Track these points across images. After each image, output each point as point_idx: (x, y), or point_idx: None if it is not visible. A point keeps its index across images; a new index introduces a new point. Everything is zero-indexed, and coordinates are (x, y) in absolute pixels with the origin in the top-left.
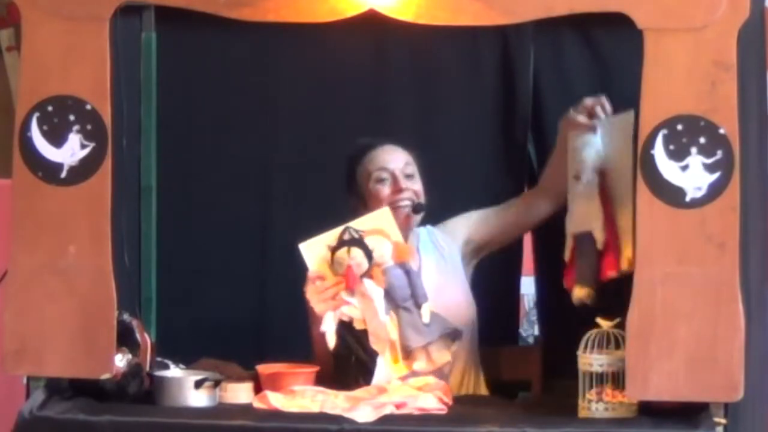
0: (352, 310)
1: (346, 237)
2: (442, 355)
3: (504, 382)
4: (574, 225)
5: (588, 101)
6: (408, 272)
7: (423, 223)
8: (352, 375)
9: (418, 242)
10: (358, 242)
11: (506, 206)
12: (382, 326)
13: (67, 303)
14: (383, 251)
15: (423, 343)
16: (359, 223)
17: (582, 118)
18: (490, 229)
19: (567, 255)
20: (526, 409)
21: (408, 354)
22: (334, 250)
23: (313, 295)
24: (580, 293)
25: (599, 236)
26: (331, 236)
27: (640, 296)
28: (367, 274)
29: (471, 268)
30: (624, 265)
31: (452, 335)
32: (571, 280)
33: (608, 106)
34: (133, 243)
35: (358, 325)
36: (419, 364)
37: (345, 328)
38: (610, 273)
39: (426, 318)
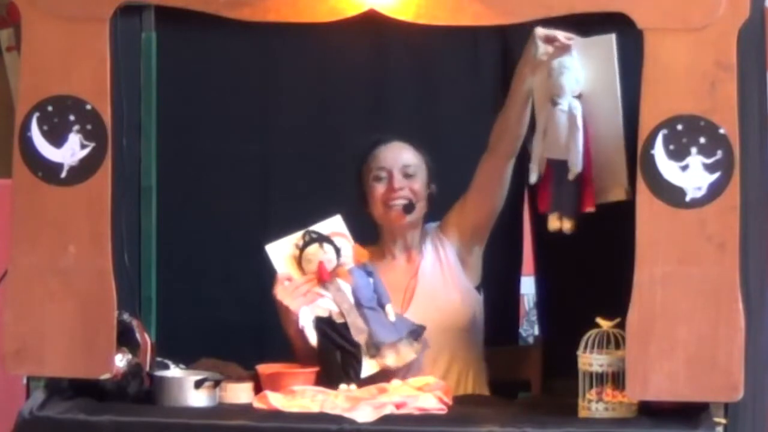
0: (329, 303)
1: (313, 236)
2: (409, 353)
3: (504, 382)
4: (549, 150)
5: (541, 32)
6: (370, 273)
7: (431, 220)
8: (340, 368)
9: (422, 241)
10: (328, 239)
11: (472, 183)
12: (360, 319)
13: (67, 303)
14: (347, 252)
15: (394, 340)
16: (318, 228)
17: (547, 49)
18: (468, 215)
19: (533, 177)
20: (526, 409)
21: (377, 351)
22: (303, 247)
23: (284, 294)
24: (559, 224)
25: (574, 168)
26: (296, 237)
27: (640, 296)
28: (335, 272)
29: (477, 257)
30: (612, 196)
31: (415, 333)
32: (546, 205)
33: (561, 34)
34: (133, 243)
35: (337, 318)
36: (389, 361)
37: (325, 323)
38: (588, 208)
39: (392, 317)
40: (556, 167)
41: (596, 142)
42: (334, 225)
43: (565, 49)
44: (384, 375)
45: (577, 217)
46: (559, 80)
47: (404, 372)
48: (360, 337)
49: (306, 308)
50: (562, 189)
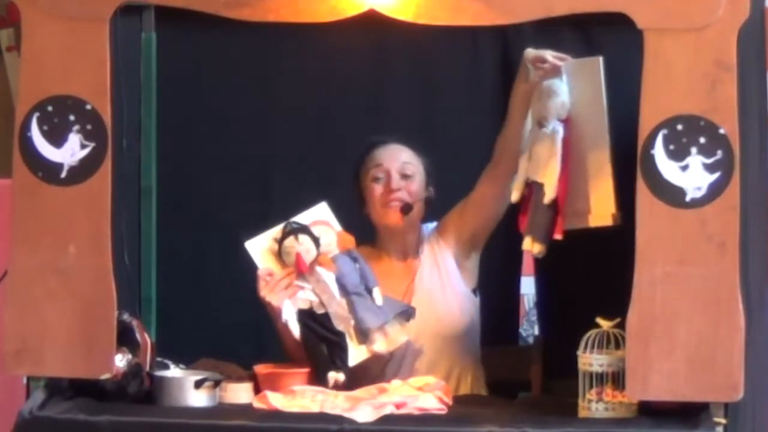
0: (309, 294)
1: (291, 228)
2: (399, 335)
3: (504, 382)
4: (531, 171)
5: (530, 54)
6: (355, 259)
7: (428, 221)
8: (327, 357)
9: (419, 243)
10: (305, 229)
11: (474, 192)
12: (342, 307)
13: (67, 303)
14: (329, 239)
15: (379, 324)
16: (300, 218)
17: (538, 71)
18: (468, 222)
19: (515, 196)
20: (526, 409)
21: (366, 337)
22: (281, 240)
23: (266, 290)
24: (530, 246)
25: (549, 193)
26: (275, 231)
27: (640, 296)
28: (316, 261)
29: (474, 262)
30: (598, 221)
31: (406, 314)
32: (523, 226)
33: (550, 55)
34: (133, 243)
35: (318, 309)
36: (379, 345)
37: (306, 315)
38: (557, 235)
39: (379, 301)
40: (535, 189)
41: (581, 166)
42: (317, 213)
43: (555, 70)
44: (376, 360)
45: (548, 243)
46: (546, 103)
47: (396, 368)
48: (343, 325)
49: (288, 301)
50: (537, 212)
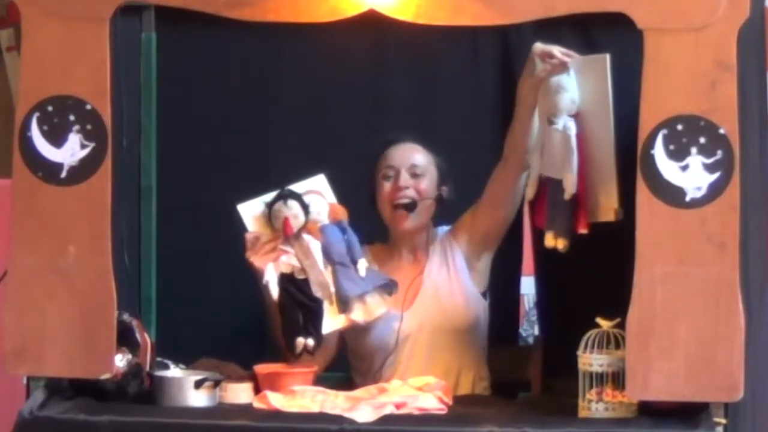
0: (292, 259)
1: (282, 194)
2: (378, 306)
3: (504, 382)
4: (545, 167)
5: (538, 48)
6: (344, 230)
7: (442, 222)
8: (299, 323)
9: (430, 243)
10: (296, 195)
11: (485, 192)
12: (323, 275)
13: (67, 303)
14: (320, 209)
15: (359, 293)
16: (296, 187)
17: (545, 66)
18: (480, 223)
19: (530, 193)
20: (526, 409)
21: (345, 306)
22: (271, 204)
23: (252, 252)
24: (554, 242)
25: (569, 189)
26: (268, 197)
27: (640, 296)
28: (304, 228)
29: (485, 264)
30: (602, 216)
31: (387, 288)
32: (542, 221)
33: (557, 50)
34: (133, 243)
35: (298, 275)
36: (357, 315)
37: (286, 280)
38: (582, 229)
39: (362, 272)
40: (552, 186)
41: (589, 162)
42: (313, 183)
43: (562, 65)
44: (354, 330)
45: (572, 237)
46: (555, 99)
47: (374, 326)
48: (321, 292)
49: (271, 264)
50: (556, 208)
